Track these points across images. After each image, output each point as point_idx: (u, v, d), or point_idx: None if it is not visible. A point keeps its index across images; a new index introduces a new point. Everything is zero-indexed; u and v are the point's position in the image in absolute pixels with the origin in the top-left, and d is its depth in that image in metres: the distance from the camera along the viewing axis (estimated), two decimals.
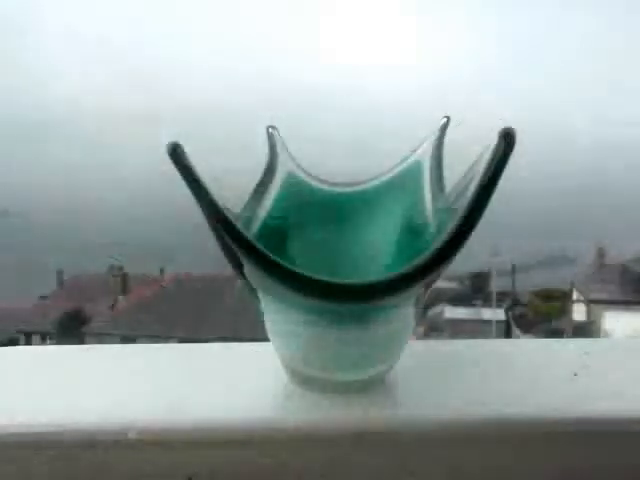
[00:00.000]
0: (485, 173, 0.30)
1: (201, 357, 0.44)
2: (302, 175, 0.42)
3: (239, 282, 0.34)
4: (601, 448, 0.35)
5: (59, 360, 0.44)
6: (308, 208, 0.41)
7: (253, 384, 0.38)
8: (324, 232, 0.41)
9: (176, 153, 0.30)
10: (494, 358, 0.43)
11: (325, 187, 0.42)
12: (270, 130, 0.42)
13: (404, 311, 0.34)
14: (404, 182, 0.40)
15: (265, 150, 0.42)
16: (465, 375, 0.39)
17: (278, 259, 0.30)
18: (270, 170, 0.41)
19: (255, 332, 0.39)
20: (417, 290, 0.33)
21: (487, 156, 0.31)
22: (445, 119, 0.40)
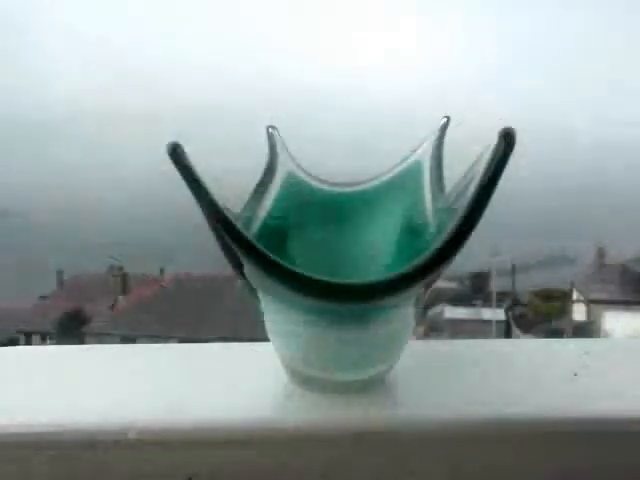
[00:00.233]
0: (485, 173, 0.30)
1: (201, 357, 0.44)
2: (302, 175, 0.42)
3: (239, 282, 0.34)
4: (601, 448, 0.35)
5: (59, 360, 0.44)
6: (308, 208, 0.41)
7: (253, 384, 0.38)
8: (324, 232, 0.41)
9: (176, 153, 0.30)
10: (494, 358, 0.43)
11: (325, 187, 0.42)
12: (270, 130, 0.42)
13: (404, 311, 0.34)
14: (404, 182, 0.40)
15: (265, 150, 0.42)
16: (465, 375, 0.39)
17: (278, 259, 0.30)
18: (270, 170, 0.41)
19: (255, 332, 0.39)
20: (417, 290, 0.33)
21: (487, 156, 0.31)
22: (445, 119, 0.40)
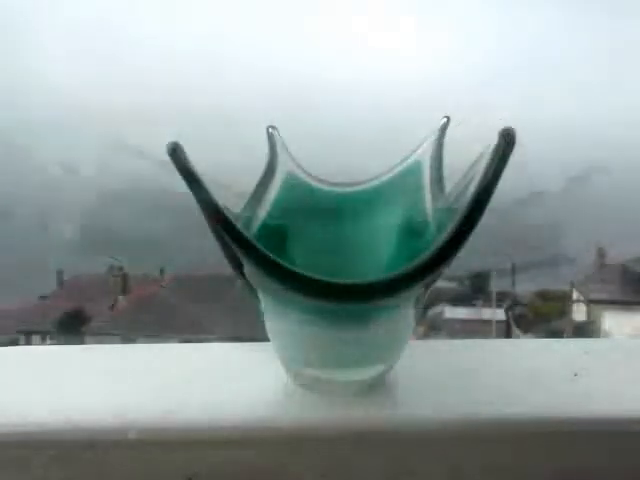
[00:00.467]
0: (485, 173, 0.30)
1: (201, 357, 0.44)
2: (302, 175, 0.42)
3: (239, 282, 0.34)
4: (601, 448, 0.35)
5: (59, 360, 0.44)
6: (308, 208, 0.41)
7: (253, 384, 0.38)
8: (324, 232, 0.41)
9: (176, 153, 0.30)
10: (494, 358, 0.43)
11: (325, 187, 0.42)
12: (270, 130, 0.42)
13: (404, 311, 0.34)
14: (404, 182, 0.40)
15: (265, 150, 0.42)
16: (465, 375, 0.39)
17: (278, 259, 0.30)
18: (270, 170, 0.41)
19: (255, 332, 0.39)
20: (417, 290, 0.33)
21: (487, 156, 0.31)
22: (445, 119, 0.40)
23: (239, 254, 0.31)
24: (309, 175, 0.42)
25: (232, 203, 0.34)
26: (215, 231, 0.31)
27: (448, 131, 0.40)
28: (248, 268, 0.32)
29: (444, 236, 0.31)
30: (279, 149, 0.42)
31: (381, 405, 0.36)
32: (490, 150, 0.30)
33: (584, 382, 0.38)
